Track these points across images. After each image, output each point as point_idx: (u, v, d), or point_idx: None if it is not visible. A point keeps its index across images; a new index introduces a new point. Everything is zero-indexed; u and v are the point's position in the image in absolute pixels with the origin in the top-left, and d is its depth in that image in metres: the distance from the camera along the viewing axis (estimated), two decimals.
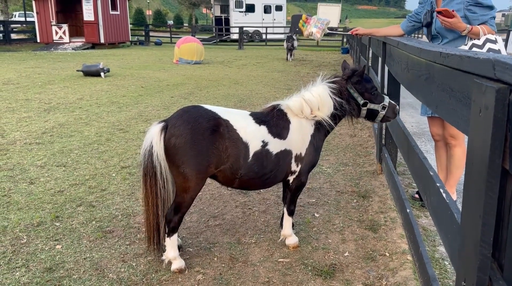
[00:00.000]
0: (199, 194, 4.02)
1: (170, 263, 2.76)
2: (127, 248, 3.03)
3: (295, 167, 2.88)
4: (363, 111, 2.90)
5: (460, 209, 1.44)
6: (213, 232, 3.31)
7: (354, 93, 2.86)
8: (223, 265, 2.86)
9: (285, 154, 2.80)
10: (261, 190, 4.03)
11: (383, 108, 2.91)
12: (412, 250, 2.84)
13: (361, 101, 2.86)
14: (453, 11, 3.07)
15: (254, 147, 2.67)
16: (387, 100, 2.94)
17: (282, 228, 3.14)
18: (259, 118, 2.79)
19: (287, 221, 3.09)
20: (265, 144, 2.70)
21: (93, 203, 3.77)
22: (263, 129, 2.73)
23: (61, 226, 3.34)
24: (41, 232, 3.23)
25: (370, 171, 4.72)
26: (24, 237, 3.16)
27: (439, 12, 3.13)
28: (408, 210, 3.04)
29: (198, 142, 2.53)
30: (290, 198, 3.03)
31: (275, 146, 2.75)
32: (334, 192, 4.14)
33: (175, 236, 2.75)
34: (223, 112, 2.70)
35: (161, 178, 2.62)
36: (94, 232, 3.25)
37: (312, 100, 2.79)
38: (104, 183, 4.24)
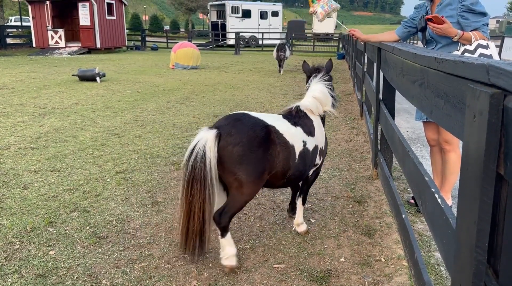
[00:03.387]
0: None
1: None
2: (121, 254, 3.01)
3: (318, 160, 3.20)
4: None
5: (455, 215, 1.43)
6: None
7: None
8: (218, 271, 2.84)
9: (315, 150, 3.10)
10: (256, 195, 4.02)
11: None
12: (407, 256, 2.83)
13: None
14: (442, 17, 3.09)
15: (298, 148, 2.89)
16: None
17: (293, 215, 3.52)
18: (292, 120, 3.00)
19: (301, 210, 3.34)
20: (304, 143, 2.96)
21: (87, 208, 3.74)
22: (299, 130, 2.97)
23: (55, 231, 3.31)
24: (34, 238, 3.20)
25: (365, 176, 4.72)
26: (17, 242, 3.13)
27: (429, 19, 3.15)
28: (403, 216, 3.03)
29: (255, 150, 2.61)
30: (307, 188, 3.38)
31: (311, 144, 3.03)
32: (329, 197, 4.13)
33: (228, 234, 2.79)
34: (266, 118, 2.82)
35: (211, 184, 2.61)
36: (88, 237, 3.22)
37: (321, 97, 3.18)
38: (99, 188, 4.22)
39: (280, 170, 2.78)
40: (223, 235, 2.78)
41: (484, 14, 3.17)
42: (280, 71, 15.41)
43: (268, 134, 2.69)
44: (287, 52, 15.26)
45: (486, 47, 3.04)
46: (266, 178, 2.74)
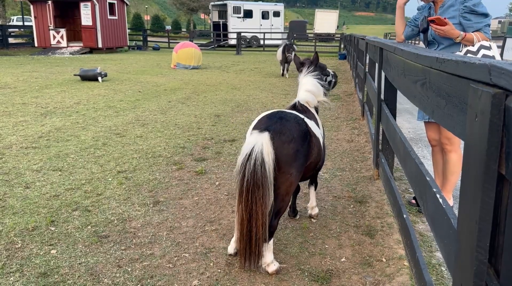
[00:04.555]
0: (195, 198, 4.02)
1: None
2: (123, 253, 3.01)
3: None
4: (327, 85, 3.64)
5: (457, 215, 1.43)
6: (210, 237, 3.29)
7: (323, 71, 3.61)
8: (219, 270, 2.84)
9: (323, 141, 3.21)
10: None
11: (335, 76, 3.82)
12: (408, 256, 2.83)
13: (330, 78, 3.70)
14: (445, 18, 3.09)
15: (321, 139, 3.04)
16: (330, 71, 3.80)
17: (294, 216, 3.63)
18: (305, 114, 3.05)
19: (314, 194, 3.59)
20: (322, 136, 3.13)
21: (88, 207, 3.75)
22: (313, 123, 3.05)
23: (56, 230, 3.32)
24: (36, 237, 3.20)
25: (367, 177, 4.71)
26: (19, 241, 3.13)
27: (431, 21, 3.15)
28: (404, 216, 3.03)
29: (304, 145, 2.67)
30: (316, 176, 3.56)
31: (322, 135, 3.16)
32: (331, 198, 4.13)
33: (272, 240, 2.79)
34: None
35: (270, 187, 2.57)
36: (90, 237, 3.23)
37: (313, 89, 3.29)
38: (100, 187, 4.22)
39: (313, 161, 2.87)
40: (268, 240, 2.73)
41: (486, 15, 3.17)
42: (284, 74, 14.22)
43: (307, 126, 2.77)
44: (293, 54, 12.94)
45: (489, 48, 3.04)
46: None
